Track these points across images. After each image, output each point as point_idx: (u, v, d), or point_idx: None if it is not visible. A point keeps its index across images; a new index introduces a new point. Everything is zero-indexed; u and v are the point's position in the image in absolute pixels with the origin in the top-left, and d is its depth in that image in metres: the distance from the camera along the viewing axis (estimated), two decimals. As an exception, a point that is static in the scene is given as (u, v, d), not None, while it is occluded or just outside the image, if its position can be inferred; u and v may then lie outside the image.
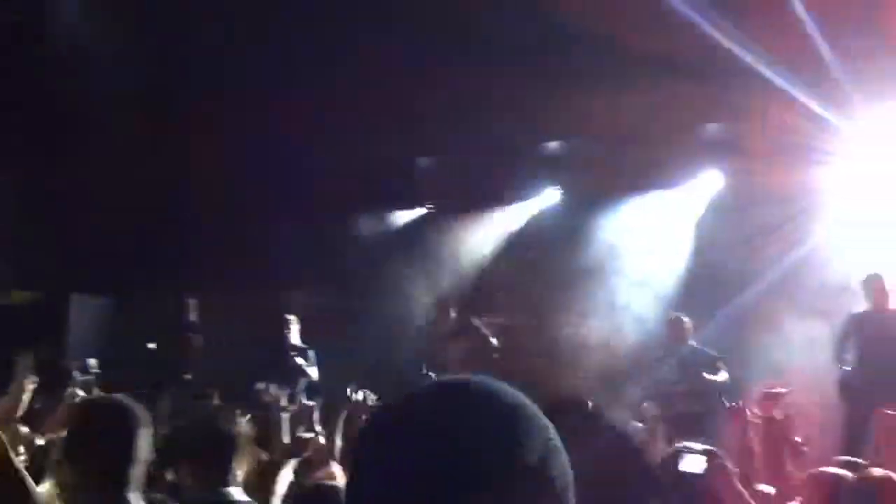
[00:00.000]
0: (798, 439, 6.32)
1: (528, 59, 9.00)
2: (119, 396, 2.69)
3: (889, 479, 3.56)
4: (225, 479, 2.74)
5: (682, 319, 9.23)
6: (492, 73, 9.37)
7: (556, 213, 11.48)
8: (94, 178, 9.96)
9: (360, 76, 9.65)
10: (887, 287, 8.14)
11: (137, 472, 2.41)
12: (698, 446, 3.84)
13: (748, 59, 8.09)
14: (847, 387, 8.17)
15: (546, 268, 10.89)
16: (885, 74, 8.54)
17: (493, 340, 9.80)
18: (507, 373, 9.88)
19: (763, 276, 9.76)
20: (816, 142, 9.91)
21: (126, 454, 2.36)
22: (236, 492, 2.76)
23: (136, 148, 10.11)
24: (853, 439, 7.79)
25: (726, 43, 8.00)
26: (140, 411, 2.54)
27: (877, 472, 3.79)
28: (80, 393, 6.28)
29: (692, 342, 9.17)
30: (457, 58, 9.27)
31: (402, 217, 12.15)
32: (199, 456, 2.78)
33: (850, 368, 8.16)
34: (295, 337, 9.92)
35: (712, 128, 10.14)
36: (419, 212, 12.16)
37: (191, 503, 2.75)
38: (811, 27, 7.84)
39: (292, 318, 10.00)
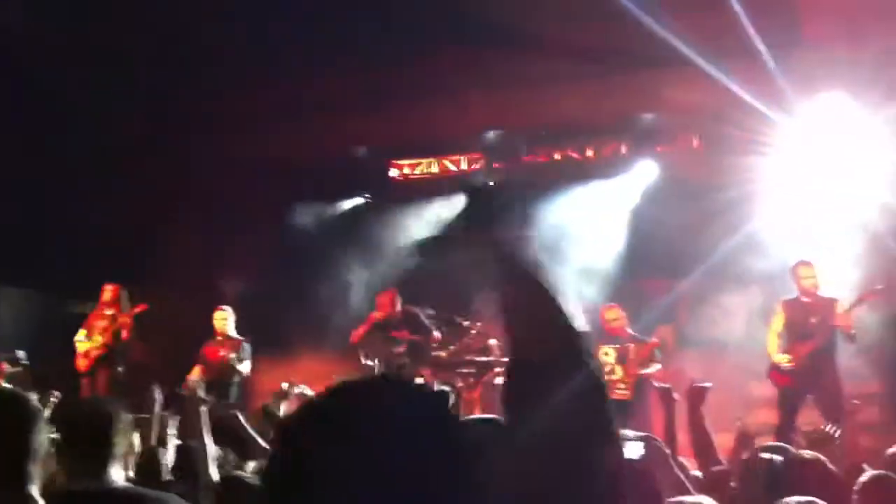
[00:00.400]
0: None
1: (463, 49, 8.96)
2: (14, 389, 2.62)
3: (818, 460, 3.60)
4: (105, 463, 2.67)
5: (616, 309, 9.31)
6: (425, 63, 9.33)
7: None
8: (18, 165, 9.65)
9: (296, 64, 9.52)
10: (812, 273, 8.27)
11: (36, 466, 2.34)
12: (634, 433, 3.85)
13: (683, 49, 8.14)
14: (775, 372, 8.38)
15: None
16: (817, 66, 8.69)
17: (436, 334, 9.77)
18: (447, 365, 9.95)
19: (698, 264, 9.89)
20: (750, 133, 10.08)
21: (24, 448, 2.29)
22: (118, 476, 2.70)
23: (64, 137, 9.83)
24: (783, 423, 7.97)
25: (661, 33, 8.05)
26: (36, 404, 2.48)
27: (807, 454, 3.83)
28: (8, 385, 6.13)
29: (629, 330, 9.26)
30: (392, 47, 9.19)
31: (340, 207, 12.03)
32: (76, 443, 2.71)
33: (779, 354, 8.35)
34: (231, 328, 9.75)
35: (647, 118, 10.21)
36: (357, 201, 12.06)
37: (70, 492, 2.66)
38: (745, 19, 7.93)
39: (227, 308, 9.82)
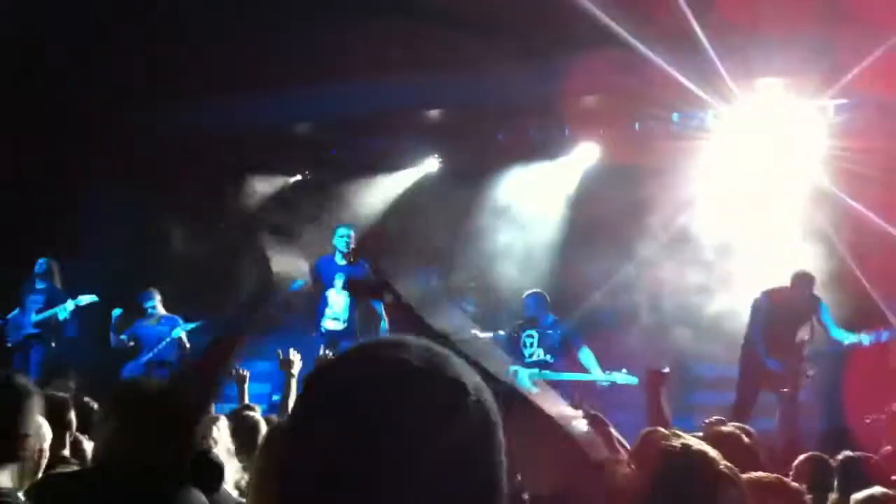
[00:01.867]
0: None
1: (408, 27, 8.85)
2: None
3: (733, 434, 3.59)
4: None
5: (540, 295, 9.27)
6: (369, 39, 9.19)
7: (435, 183, 11.42)
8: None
9: (235, 38, 9.31)
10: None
11: None
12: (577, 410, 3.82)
13: (623, 33, 8.14)
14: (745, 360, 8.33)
15: (426, 236, 10.85)
16: (754, 52, 8.76)
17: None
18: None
19: (638, 246, 9.98)
20: (689, 117, 10.18)
21: None
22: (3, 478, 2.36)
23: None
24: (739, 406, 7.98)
25: (602, 16, 8.03)
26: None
27: (725, 429, 3.82)
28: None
29: (551, 316, 9.22)
30: (336, 23, 9.03)
31: (279, 183, 11.87)
32: None
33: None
34: (160, 307, 9.59)
35: (589, 100, 10.22)
36: (297, 178, 11.91)
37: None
38: (684, 3, 7.94)
39: (153, 290, 9.63)
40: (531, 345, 8.97)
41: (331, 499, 1.01)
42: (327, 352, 7.99)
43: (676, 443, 2.03)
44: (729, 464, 2.00)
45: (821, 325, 8.16)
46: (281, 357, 5.54)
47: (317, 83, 9.51)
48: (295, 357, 5.51)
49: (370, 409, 1.02)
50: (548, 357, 8.90)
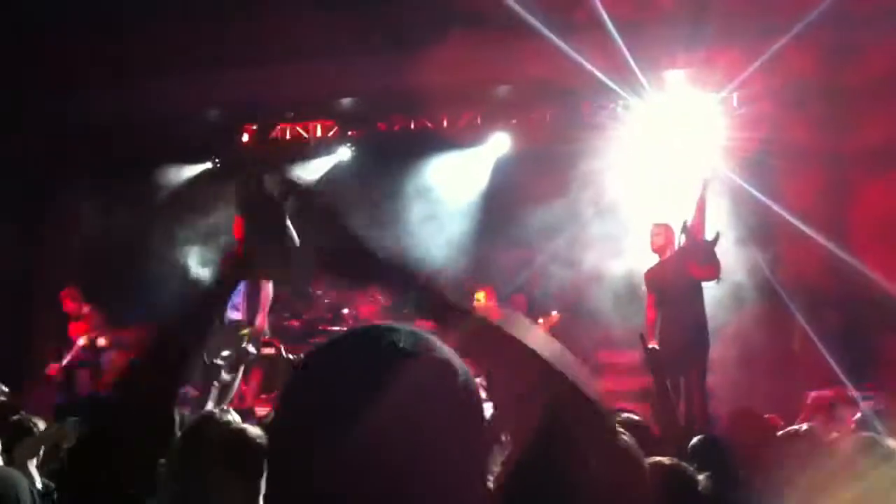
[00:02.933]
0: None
1: (316, 13, 8.73)
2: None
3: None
4: None
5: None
6: (280, 25, 9.05)
7: (350, 170, 11.34)
8: None
9: (149, 18, 9.04)
10: (664, 234, 8.12)
11: None
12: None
13: (535, 22, 8.20)
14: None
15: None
16: (661, 44, 8.93)
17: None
18: (299, 335, 9.81)
19: (550, 234, 10.10)
20: (600, 108, 10.33)
21: None
22: None
23: None
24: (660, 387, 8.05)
25: (514, 5, 8.07)
26: None
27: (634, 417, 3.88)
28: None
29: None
30: (246, 6, 8.87)
31: (185, 172, 11.61)
32: None
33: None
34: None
35: (502, 90, 10.28)
36: (206, 166, 11.66)
37: None
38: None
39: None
40: None
41: (326, 479, 1.03)
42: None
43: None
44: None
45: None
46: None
47: (227, 69, 9.32)
48: None
49: (360, 391, 1.04)
50: None
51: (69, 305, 9.60)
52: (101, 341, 9.59)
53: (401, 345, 1.09)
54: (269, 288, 8.87)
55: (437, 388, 1.07)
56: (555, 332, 9.57)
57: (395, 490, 1.02)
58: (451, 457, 1.06)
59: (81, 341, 9.54)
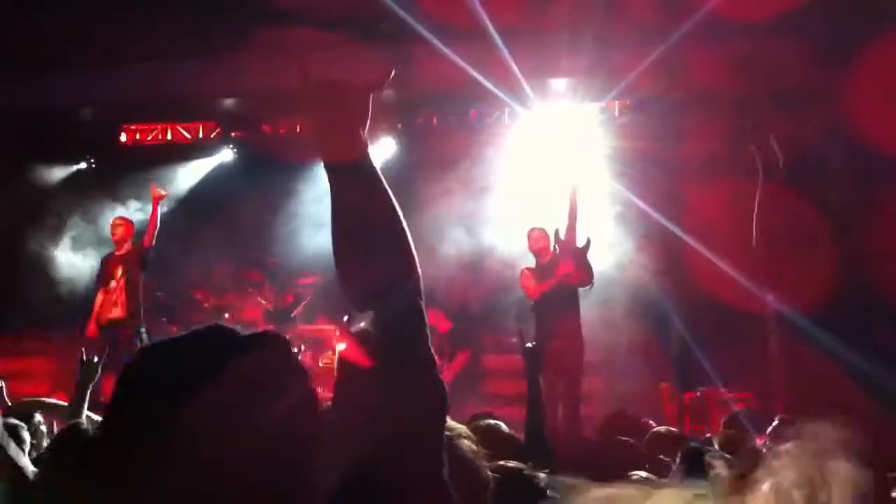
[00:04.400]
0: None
1: (197, 12, 8.52)
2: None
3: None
4: None
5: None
6: (163, 22, 8.80)
7: (232, 172, 11.13)
8: None
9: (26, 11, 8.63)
10: (541, 237, 8.23)
11: None
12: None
13: (420, 27, 8.20)
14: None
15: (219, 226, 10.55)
16: (544, 52, 9.07)
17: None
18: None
19: (436, 238, 10.13)
20: (486, 115, 10.43)
21: None
22: None
23: None
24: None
25: (399, 11, 8.06)
26: None
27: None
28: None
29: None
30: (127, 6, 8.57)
31: (59, 172, 11.14)
32: None
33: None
34: None
35: (386, 95, 10.25)
36: (80, 166, 11.23)
37: None
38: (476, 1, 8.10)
39: None
40: None
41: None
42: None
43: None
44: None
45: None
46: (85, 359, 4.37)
47: (103, 66, 8.99)
48: None
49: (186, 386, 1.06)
50: None
51: None
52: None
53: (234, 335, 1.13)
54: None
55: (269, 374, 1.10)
56: (445, 337, 9.61)
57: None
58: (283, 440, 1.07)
59: None
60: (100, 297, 8.80)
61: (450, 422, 1.72)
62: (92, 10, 8.49)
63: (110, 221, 9.07)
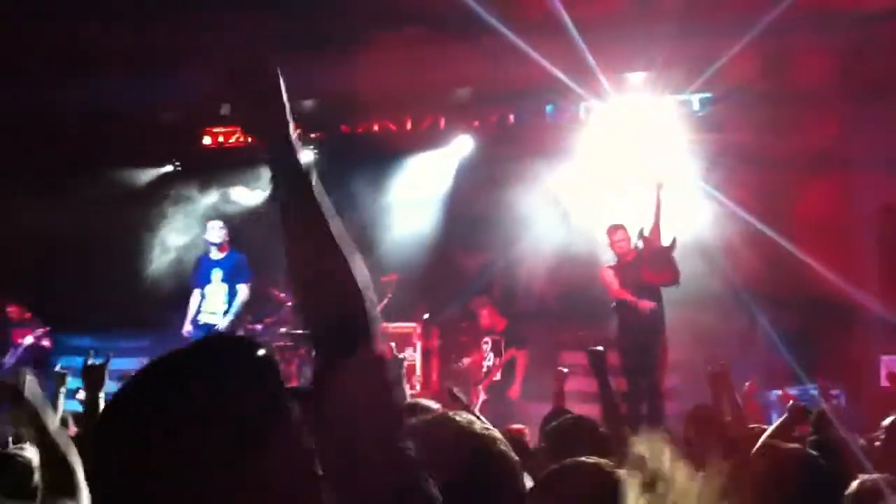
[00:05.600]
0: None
1: (277, 12, 8.64)
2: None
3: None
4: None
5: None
6: (243, 24, 8.91)
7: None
8: None
9: (110, 17, 8.85)
10: (623, 236, 8.22)
11: None
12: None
13: (494, 23, 8.17)
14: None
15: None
16: (622, 47, 8.95)
17: None
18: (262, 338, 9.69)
19: (512, 237, 10.11)
20: (562, 110, 10.34)
21: None
22: None
23: None
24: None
25: (474, 6, 8.05)
26: None
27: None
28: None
29: None
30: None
31: (146, 174, 11.46)
32: None
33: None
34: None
35: (463, 92, 10.27)
36: (165, 169, 11.52)
37: None
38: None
39: None
40: None
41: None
42: None
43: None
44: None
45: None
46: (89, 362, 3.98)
47: (182, 68, 9.17)
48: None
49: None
50: None
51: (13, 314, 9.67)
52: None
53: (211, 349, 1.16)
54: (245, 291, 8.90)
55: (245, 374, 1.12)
56: (500, 335, 9.55)
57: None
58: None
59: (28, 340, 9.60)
60: (196, 297, 9.10)
61: (480, 428, 1.69)
62: (174, 16, 8.70)
63: (209, 224, 9.31)
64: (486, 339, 9.49)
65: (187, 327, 9.03)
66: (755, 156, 8.89)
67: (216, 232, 9.16)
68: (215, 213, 10.45)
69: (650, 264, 7.77)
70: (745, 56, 8.19)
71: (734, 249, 9.25)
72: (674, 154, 9.48)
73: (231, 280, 9.09)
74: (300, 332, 9.71)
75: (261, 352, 1.16)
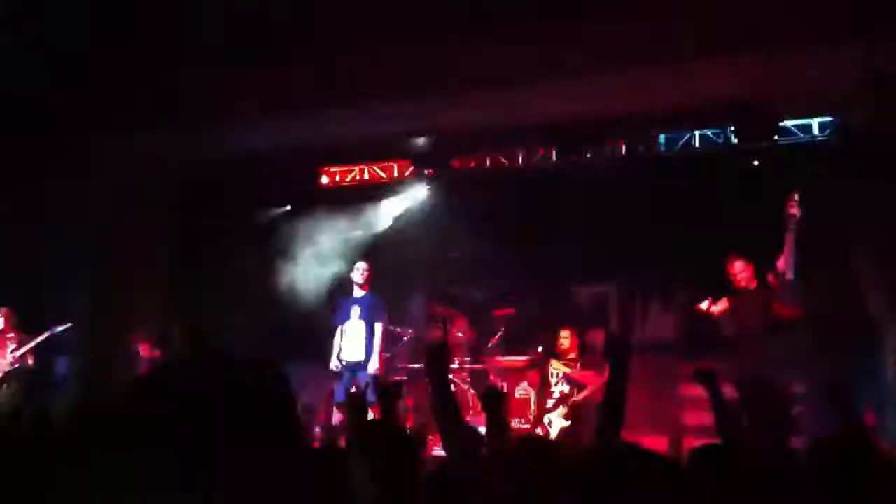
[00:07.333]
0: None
1: (382, 49, 8.77)
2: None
3: None
4: None
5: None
6: (357, 64, 9.08)
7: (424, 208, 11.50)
8: None
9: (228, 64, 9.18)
10: (747, 269, 8.09)
11: None
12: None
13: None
14: None
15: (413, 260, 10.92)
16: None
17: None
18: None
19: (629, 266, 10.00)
20: (672, 141, 10.17)
21: None
22: None
23: None
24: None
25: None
26: None
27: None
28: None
29: None
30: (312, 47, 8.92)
31: (267, 215, 11.91)
32: None
33: None
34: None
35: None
36: (286, 209, 11.93)
37: None
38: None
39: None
40: None
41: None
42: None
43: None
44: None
45: None
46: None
47: (299, 111, 9.44)
48: None
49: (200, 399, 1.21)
50: None
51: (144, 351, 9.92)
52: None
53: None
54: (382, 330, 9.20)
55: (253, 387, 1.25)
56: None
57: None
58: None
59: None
60: (338, 337, 9.39)
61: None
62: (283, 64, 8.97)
63: (357, 264, 9.60)
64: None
65: (334, 362, 9.33)
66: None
67: (360, 273, 9.48)
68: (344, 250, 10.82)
69: (783, 298, 7.62)
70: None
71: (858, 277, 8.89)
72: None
73: (370, 319, 9.34)
74: (418, 366, 9.87)
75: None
